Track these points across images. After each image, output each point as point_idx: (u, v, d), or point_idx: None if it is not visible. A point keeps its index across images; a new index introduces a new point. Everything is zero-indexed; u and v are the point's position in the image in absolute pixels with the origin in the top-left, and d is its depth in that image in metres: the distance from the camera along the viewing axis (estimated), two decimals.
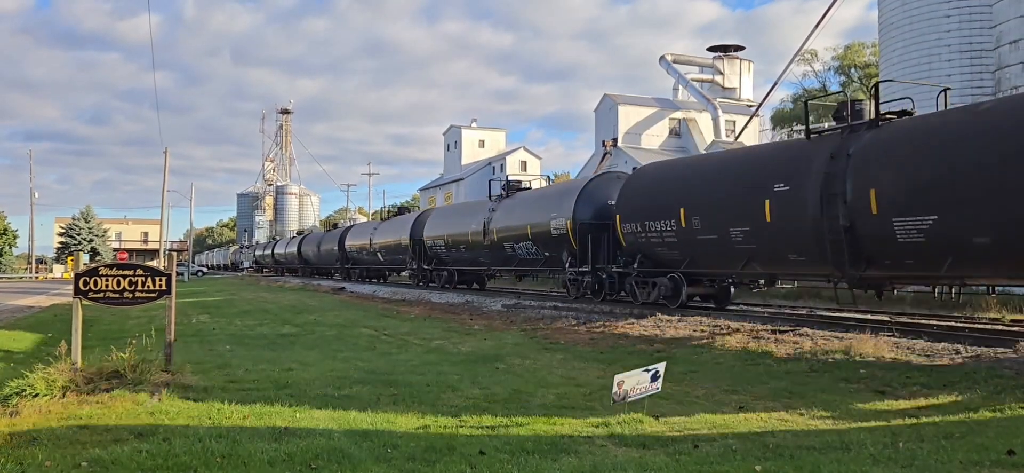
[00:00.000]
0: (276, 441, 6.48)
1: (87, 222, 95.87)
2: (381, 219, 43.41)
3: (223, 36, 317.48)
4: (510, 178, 29.85)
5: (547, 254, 24.07)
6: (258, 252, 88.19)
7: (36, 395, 8.25)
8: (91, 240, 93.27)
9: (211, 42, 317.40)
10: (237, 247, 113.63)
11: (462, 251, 30.80)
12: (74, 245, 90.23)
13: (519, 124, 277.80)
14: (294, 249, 64.50)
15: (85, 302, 9.46)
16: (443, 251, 32.58)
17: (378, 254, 41.90)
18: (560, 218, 22.80)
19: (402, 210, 42.32)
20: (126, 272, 9.62)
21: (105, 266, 9.74)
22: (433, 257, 33.77)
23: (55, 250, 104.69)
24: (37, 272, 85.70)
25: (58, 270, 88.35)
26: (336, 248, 49.98)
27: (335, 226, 62.67)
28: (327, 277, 55.28)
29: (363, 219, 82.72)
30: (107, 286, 9.49)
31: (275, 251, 74.94)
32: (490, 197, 30.03)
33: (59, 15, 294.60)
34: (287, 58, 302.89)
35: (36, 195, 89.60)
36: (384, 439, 6.58)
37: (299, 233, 76.30)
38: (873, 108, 13.93)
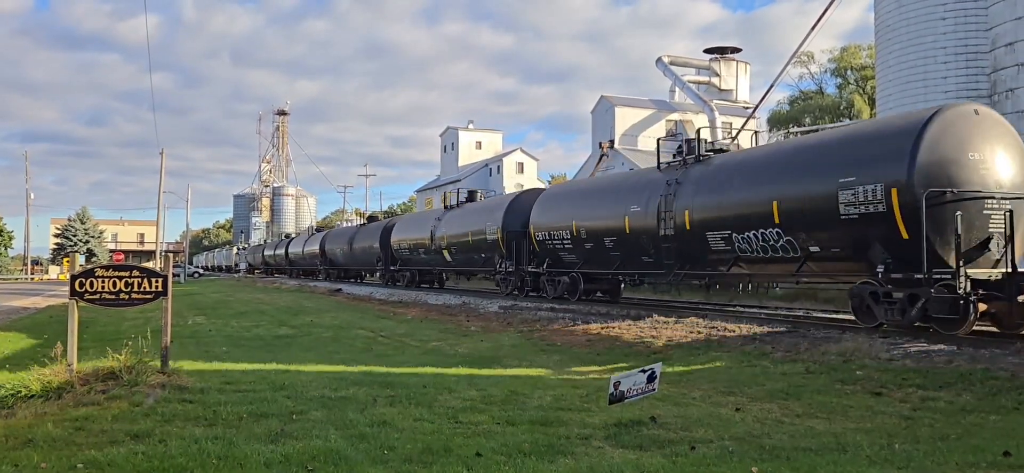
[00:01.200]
0: (273, 442, 6.47)
1: (83, 223, 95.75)
2: (447, 207, 33.43)
3: (223, 37, 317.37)
4: (698, 138, 18.73)
5: (838, 250, 14.14)
6: (267, 252, 77.99)
7: (32, 396, 8.23)
8: (87, 241, 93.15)
9: (211, 44, 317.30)
10: (240, 247, 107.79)
11: (608, 248, 20.55)
12: (70, 246, 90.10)
13: (519, 126, 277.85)
14: (315, 247, 54.70)
15: (81, 303, 9.43)
16: (566, 246, 22.69)
17: (444, 252, 31.57)
18: (871, 181, 13.06)
19: (472, 196, 33.21)
20: (122, 273, 9.59)
21: (101, 267, 9.72)
22: (548, 255, 23.89)
23: (51, 251, 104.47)
24: (33, 273, 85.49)
25: (54, 271, 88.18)
26: (377, 245, 40.16)
27: (372, 218, 51.10)
28: (356, 281, 47.63)
29: (359, 220, 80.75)
30: (103, 287, 9.46)
31: (289, 250, 64.87)
32: (659, 164, 19.70)
33: (58, 16, 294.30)
34: (287, 59, 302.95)
35: (32, 196, 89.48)
36: (381, 440, 6.57)
37: (319, 229, 66.95)
38: None
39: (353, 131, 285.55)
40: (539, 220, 24.42)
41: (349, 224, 71.65)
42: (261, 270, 79.89)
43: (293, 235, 77.64)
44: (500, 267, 26.80)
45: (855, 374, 10.12)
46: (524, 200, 26.93)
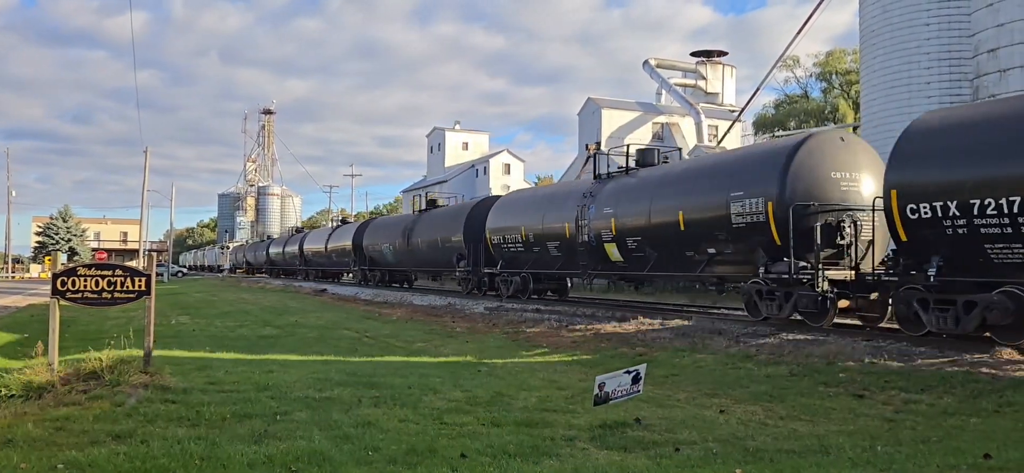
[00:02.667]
0: (256, 443, 6.44)
1: (65, 221, 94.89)
2: (603, 176, 21.69)
3: (212, 35, 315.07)
4: None
5: None
6: (272, 249, 66.50)
7: (12, 396, 8.16)
8: (69, 240, 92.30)
9: (200, 42, 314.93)
10: (233, 244, 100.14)
11: None
12: (52, 245, 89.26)
13: (508, 127, 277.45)
14: (344, 242, 44.04)
15: (63, 302, 9.36)
16: None
17: (608, 247, 19.89)
18: None
19: (649, 158, 21.13)
20: (105, 272, 9.53)
21: (83, 266, 9.66)
22: (954, 248, 11.72)
23: (32, 250, 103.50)
24: (14, 272, 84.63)
25: (35, 270, 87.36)
26: (458, 238, 28.57)
27: (432, 204, 35.28)
28: (402, 286, 37.16)
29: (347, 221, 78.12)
30: (85, 286, 9.39)
31: (305, 247, 54.24)
32: None
33: (45, 13, 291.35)
34: (277, 58, 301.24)
35: (13, 194, 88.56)
36: (365, 441, 6.55)
37: (343, 221, 56.04)
38: None
39: (342, 131, 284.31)
40: (944, 172, 12.00)
41: (333, 222, 68.90)
42: (265, 270, 70.00)
43: (307, 229, 66.88)
44: (767, 269, 15.03)
45: (838, 377, 10.19)
46: (815, 151, 15.00)
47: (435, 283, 36.71)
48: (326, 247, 48.44)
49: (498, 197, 30.28)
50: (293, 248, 57.66)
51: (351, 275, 45.64)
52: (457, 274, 29.52)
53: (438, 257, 31.24)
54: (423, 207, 35.00)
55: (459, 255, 28.79)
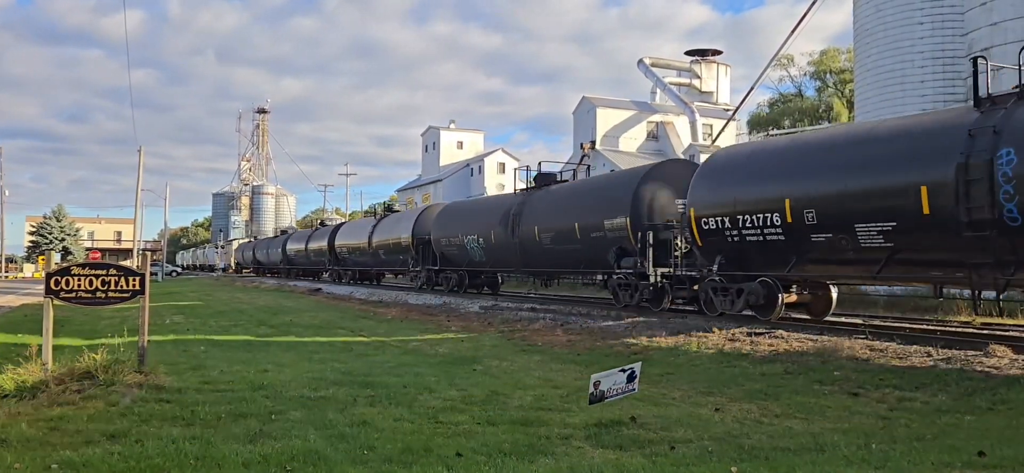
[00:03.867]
0: (251, 443, 6.42)
1: (59, 221, 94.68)
2: (971, 106, 12.01)
3: (208, 35, 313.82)
4: None
5: None
6: (290, 246, 57.42)
7: (5, 396, 8.13)
8: (63, 239, 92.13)
9: (196, 41, 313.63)
10: (244, 240, 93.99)
11: None
12: (45, 244, 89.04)
13: (505, 127, 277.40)
14: (399, 235, 35.32)
15: (57, 302, 9.32)
16: None
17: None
18: None
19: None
20: (99, 272, 9.50)
21: (77, 265, 9.63)
22: None
23: (26, 249, 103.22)
24: (7, 272, 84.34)
25: (28, 269, 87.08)
26: (626, 226, 19.53)
27: (546, 182, 25.78)
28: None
29: (338, 219, 76.58)
30: (79, 286, 9.36)
31: (335, 243, 45.80)
32: None
33: (41, 11, 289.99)
34: (273, 58, 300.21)
35: (7, 193, 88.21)
36: (361, 440, 6.55)
37: (389, 209, 46.91)
38: None
39: (338, 130, 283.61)
40: None
41: (327, 221, 66.18)
42: (281, 271, 62.77)
43: (338, 221, 56.77)
44: None
45: (833, 374, 10.21)
46: None
47: (548, 289, 28.12)
48: (369, 242, 38.91)
49: (688, 162, 19.79)
50: (319, 244, 49.08)
51: (409, 277, 35.61)
52: (614, 278, 20.20)
53: (575, 254, 21.79)
54: (529, 184, 26.27)
55: (620, 251, 19.82)
